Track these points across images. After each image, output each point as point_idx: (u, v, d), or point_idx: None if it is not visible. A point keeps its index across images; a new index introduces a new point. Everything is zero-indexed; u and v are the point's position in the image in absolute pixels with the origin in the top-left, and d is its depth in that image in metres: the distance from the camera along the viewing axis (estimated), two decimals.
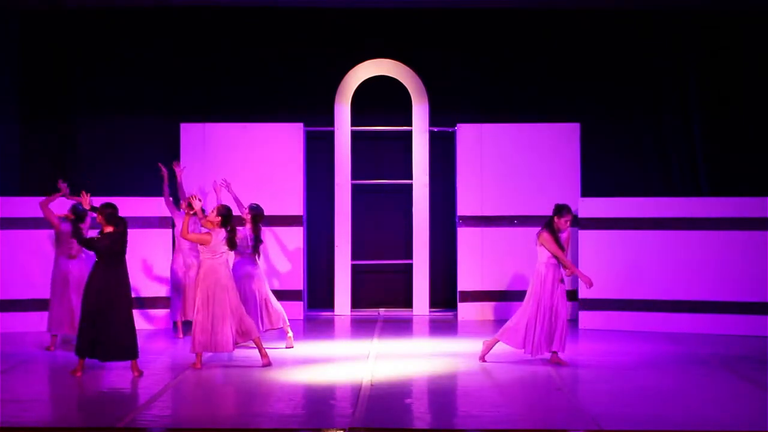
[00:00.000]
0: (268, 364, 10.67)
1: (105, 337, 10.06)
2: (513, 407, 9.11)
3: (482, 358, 10.91)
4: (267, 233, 13.06)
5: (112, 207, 10.36)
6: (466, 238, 14.49)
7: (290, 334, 11.96)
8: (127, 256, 13.10)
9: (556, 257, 10.62)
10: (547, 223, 10.70)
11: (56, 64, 15.14)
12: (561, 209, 10.66)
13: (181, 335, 12.69)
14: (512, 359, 10.91)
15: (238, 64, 15.26)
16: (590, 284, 10.72)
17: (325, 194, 15.19)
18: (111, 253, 10.23)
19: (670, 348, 11.94)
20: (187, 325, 12.86)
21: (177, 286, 12.91)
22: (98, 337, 10.05)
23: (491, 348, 10.95)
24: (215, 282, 10.60)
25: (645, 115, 15.30)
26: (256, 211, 12.10)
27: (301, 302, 14.49)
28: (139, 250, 13.43)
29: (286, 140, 14.62)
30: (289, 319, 12.10)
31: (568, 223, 10.69)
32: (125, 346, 10.11)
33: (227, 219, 10.69)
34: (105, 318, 10.07)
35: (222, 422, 8.37)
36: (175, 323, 12.95)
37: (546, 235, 10.65)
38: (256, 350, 10.90)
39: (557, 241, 10.63)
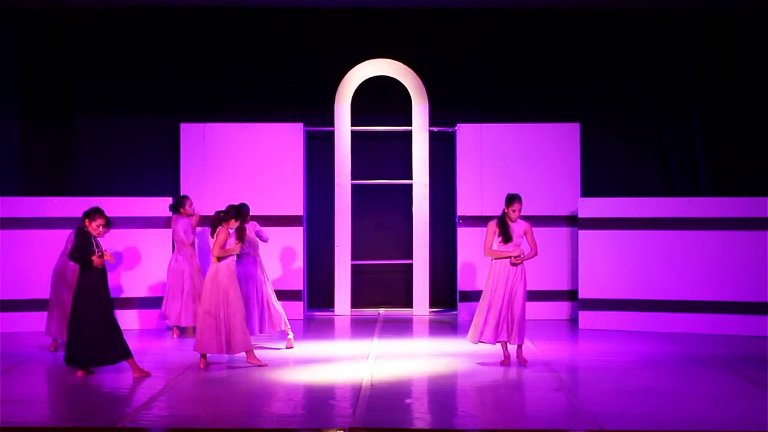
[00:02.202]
0: (263, 365, 10.71)
1: (82, 342, 10.12)
2: (513, 407, 9.11)
3: (510, 363, 10.85)
4: (268, 233, 13.04)
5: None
6: (466, 238, 14.49)
7: (290, 335, 11.95)
8: (127, 256, 13.21)
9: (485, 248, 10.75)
10: (501, 214, 10.76)
11: (56, 64, 15.14)
12: (509, 198, 10.76)
13: (175, 336, 12.71)
14: (512, 359, 10.91)
15: (238, 64, 15.26)
16: (519, 256, 10.67)
17: (325, 194, 15.19)
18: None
19: (670, 348, 11.94)
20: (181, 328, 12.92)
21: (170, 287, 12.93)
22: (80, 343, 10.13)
23: (505, 350, 10.89)
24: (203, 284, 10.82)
25: (645, 115, 15.31)
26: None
27: (301, 302, 14.49)
28: (139, 249, 13.46)
29: (286, 140, 14.63)
30: (289, 319, 12.11)
31: (516, 212, 10.70)
32: (106, 351, 10.13)
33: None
34: (80, 323, 10.12)
35: (222, 422, 8.37)
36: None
37: (489, 225, 10.80)
38: (264, 351, 10.99)
39: (504, 232, 10.69)
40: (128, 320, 13.38)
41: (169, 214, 13.23)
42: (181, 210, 12.85)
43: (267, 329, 11.86)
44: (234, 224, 10.80)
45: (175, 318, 12.73)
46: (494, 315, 10.72)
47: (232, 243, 10.73)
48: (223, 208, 10.82)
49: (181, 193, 14.13)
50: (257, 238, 12.07)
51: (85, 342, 10.10)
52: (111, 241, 13.35)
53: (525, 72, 15.28)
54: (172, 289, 12.75)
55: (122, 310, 13.28)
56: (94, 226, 10.20)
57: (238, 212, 10.86)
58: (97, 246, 10.18)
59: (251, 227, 11.94)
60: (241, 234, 10.83)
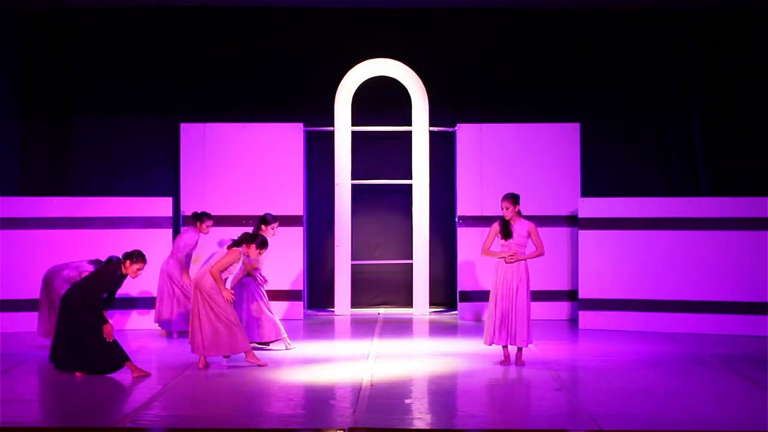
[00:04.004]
0: (262, 365, 10.72)
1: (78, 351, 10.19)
2: (513, 407, 9.11)
3: (510, 363, 10.86)
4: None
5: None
6: (466, 238, 14.49)
7: (288, 341, 11.84)
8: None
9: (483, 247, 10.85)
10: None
11: (56, 64, 15.14)
12: (502, 197, 10.78)
13: (174, 336, 12.68)
14: (512, 360, 10.90)
15: (238, 64, 15.26)
16: (510, 256, 10.69)
17: (325, 194, 15.19)
18: None
19: (670, 348, 11.94)
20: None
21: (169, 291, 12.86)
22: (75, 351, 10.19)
23: (505, 351, 10.89)
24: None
25: (645, 115, 15.31)
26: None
27: (301, 302, 14.49)
28: (139, 249, 13.41)
29: (286, 140, 14.62)
30: (289, 319, 12.05)
31: (504, 210, 10.71)
32: (100, 362, 10.16)
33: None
34: (72, 331, 10.18)
35: (222, 422, 8.37)
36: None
37: (492, 225, 10.85)
38: (264, 352, 11.04)
39: (503, 229, 10.72)
40: (128, 320, 13.40)
41: (170, 214, 13.28)
42: (198, 224, 12.77)
43: (255, 338, 11.69)
44: (254, 252, 10.78)
45: (165, 322, 12.68)
46: (498, 316, 10.71)
47: (232, 270, 10.72)
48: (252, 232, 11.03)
49: (181, 189, 14.21)
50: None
51: (76, 349, 10.12)
52: (111, 241, 13.38)
53: (525, 72, 15.28)
54: (161, 293, 12.72)
55: (122, 310, 13.30)
56: (134, 269, 10.27)
57: (263, 244, 10.84)
58: (113, 288, 10.33)
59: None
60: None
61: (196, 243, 12.80)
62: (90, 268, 11.01)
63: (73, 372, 10.18)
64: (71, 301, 10.20)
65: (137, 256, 10.28)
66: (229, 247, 10.71)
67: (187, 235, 12.79)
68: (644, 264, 13.32)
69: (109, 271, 10.28)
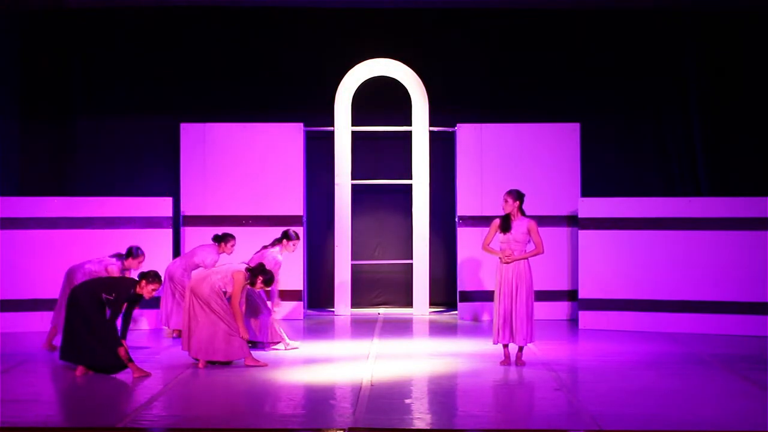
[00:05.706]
0: (261, 365, 10.72)
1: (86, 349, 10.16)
2: (513, 407, 9.11)
3: (510, 363, 10.86)
4: (268, 233, 13.04)
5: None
6: (466, 238, 14.49)
7: (287, 341, 11.84)
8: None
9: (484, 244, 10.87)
10: None
11: (56, 64, 15.14)
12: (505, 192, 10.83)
13: (175, 335, 12.66)
14: (512, 360, 10.90)
15: (238, 64, 15.27)
16: (507, 256, 10.68)
17: (325, 194, 15.19)
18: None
19: (670, 348, 11.94)
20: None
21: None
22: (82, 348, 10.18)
23: (506, 350, 10.89)
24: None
25: (645, 115, 15.32)
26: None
27: (301, 302, 14.49)
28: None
29: (286, 140, 14.62)
30: (289, 319, 12.05)
31: (504, 204, 10.72)
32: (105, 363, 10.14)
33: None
34: (79, 325, 10.18)
35: (222, 422, 8.36)
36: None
37: (494, 221, 10.83)
38: (264, 352, 11.13)
39: (503, 224, 10.71)
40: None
41: (170, 214, 13.25)
42: (222, 245, 12.64)
43: (249, 337, 11.63)
44: (259, 286, 10.79)
45: (164, 320, 12.67)
46: (501, 314, 10.71)
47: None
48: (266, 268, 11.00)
49: (181, 189, 14.20)
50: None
51: (82, 345, 10.12)
52: (111, 242, 13.38)
53: (525, 72, 15.28)
54: (164, 293, 12.69)
55: None
56: (149, 289, 10.22)
57: (269, 282, 10.85)
58: (128, 306, 10.34)
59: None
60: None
61: (215, 263, 12.67)
62: (114, 261, 11.04)
63: (76, 365, 10.17)
64: (78, 298, 10.19)
65: (153, 277, 10.24)
66: (246, 269, 10.78)
67: (207, 255, 12.54)
68: (644, 264, 13.32)
69: (123, 284, 10.27)
